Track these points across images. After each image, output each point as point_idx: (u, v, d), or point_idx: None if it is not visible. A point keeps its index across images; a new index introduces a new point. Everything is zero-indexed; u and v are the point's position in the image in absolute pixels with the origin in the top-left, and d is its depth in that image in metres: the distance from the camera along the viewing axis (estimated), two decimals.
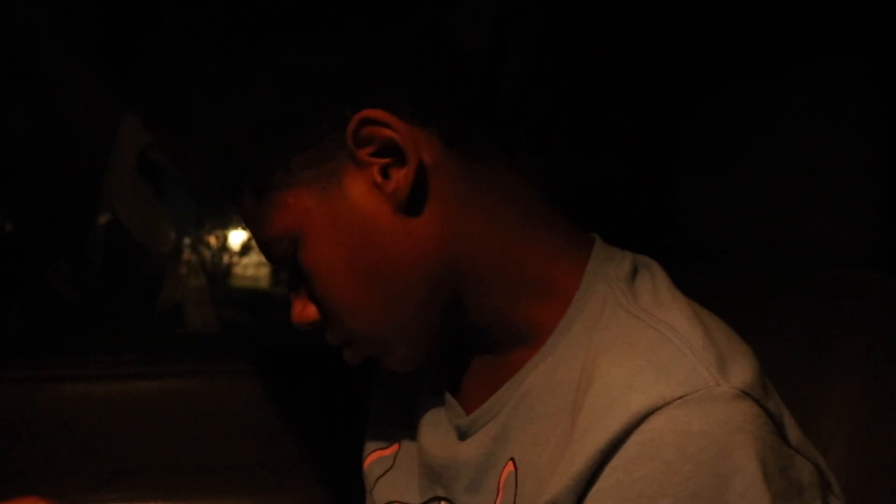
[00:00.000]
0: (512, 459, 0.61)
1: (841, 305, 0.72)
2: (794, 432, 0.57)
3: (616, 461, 0.51)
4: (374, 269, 0.62)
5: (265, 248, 0.65)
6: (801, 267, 0.77)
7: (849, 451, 0.65)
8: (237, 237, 3.09)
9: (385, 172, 0.60)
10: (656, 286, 0.61)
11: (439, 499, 0.70)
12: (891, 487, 0.65)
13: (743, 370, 0.54)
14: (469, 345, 0.72)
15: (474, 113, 0.64)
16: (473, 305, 0.65)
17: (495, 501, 0.62)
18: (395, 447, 0.78)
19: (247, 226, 0.66)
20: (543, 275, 0.64)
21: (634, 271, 0.63)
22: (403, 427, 0.78)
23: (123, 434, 1.21)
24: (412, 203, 0.60)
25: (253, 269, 3.20)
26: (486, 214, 0.63)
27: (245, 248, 3.19)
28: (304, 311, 0.67)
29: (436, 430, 0.71)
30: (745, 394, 0.52)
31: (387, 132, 0.59)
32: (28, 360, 1.25)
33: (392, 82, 0.60)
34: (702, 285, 0.63)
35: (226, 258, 3.05)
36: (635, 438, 0.51)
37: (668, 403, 0.51)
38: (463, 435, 0.68)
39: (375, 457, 0.79)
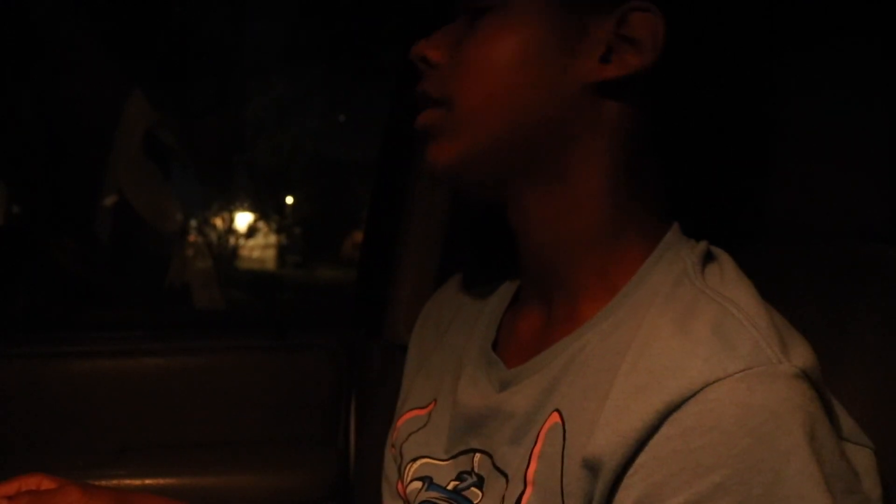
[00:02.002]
0: (557, 410, 0.61)
1: (858, 281, 0.71)
2: (847, 422, 0.57)
3: (673, 430, 0.51)
4: (525, 92, 0.64)
5: None
6: (819, 242, 0.76)
7: (865, 425, 0.64)
8: (243, 219, 3.10)
9: (609, 53, 0.62)
10: (724, 269, 0.62)
11: (474, 451, 0.69)
12: None
13: (803, 355, 0.54)
14: (523, 300, 0.73)
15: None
16: (533, 215, 0.66)
17: (533, 450, 0.61)
18: (431, 406, 0.78)
19: None
20: (620, 240, 0.65)
21: (707, 256, 0.64)
22: (441, 387, 0.78)
23: (130, 410, 1.21)
24: (602, 88, 0.62)
25: (259, 251, 3.21)
26: (626, 168, 0.64)
27: (251, 231, 3.20)
28: (432, 49, 0.68)
29: (474, 385, 0.71)
30: (806, 375, 0.52)
31: (645, 34, 0.60)
32: (36, 336, 1.26)
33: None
34: None
35: (232, 240, 3.06)
36: (694, 408, 0.50)
37: (730, 375, 0.50)
38: (505, 386, 0.67)
39: (411, 415, 0.80)
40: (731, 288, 0.58)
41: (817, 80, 0.77)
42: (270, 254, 3.09)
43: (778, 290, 0.65)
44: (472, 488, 0.68)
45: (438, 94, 0.67)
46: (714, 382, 0.50)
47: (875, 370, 0.67)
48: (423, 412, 0.78)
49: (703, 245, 0.64)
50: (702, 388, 0.50)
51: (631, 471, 0.52)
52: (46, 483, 0.75)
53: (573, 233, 0.65)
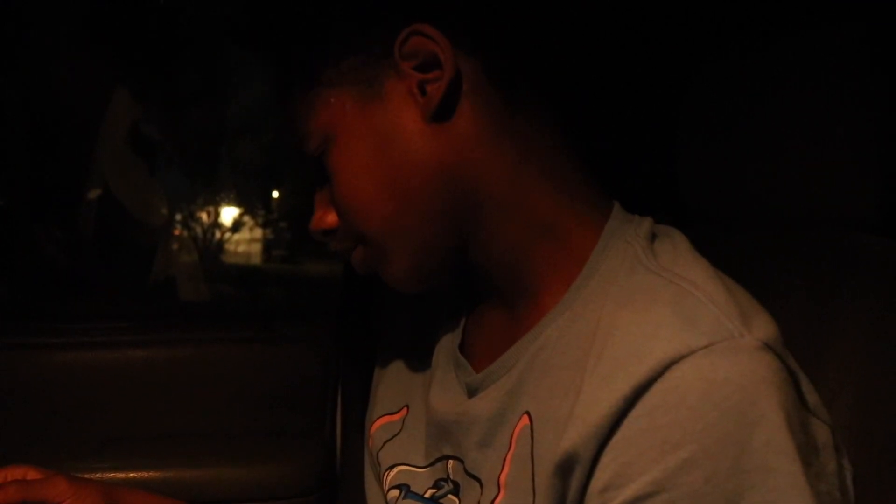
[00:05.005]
0: (527, 413, 0.61)
1: (842, 269, 0.72)
2: (811, 396, 0.58)
3: (640, 409, 0.51)
4: (396, 172, 0.65)
5: (302, 143, 0.69)
6: (803, 231, 0.77)
7: (851, 415, 0.65)
8: (228, 214, 3.08)
9: (422, 88, 0.63)
10: (677, 248, 0.62)
11: (447, 457, 0.70)
12: (894, 448, 0.65)
13: (765, 327, 0.54)
14: (483, 298, 0.73)
15: (530, 60, 0.66)
16: (485, 240, 0.66)
17: (506, 455, 0.62)
18: (403, 412, 0.78)
19: (288, 120, 0.70)
20: (560, 226, 0.65)
21: (653, 235, 0.64)
22: (411, 392, 0.78)
23: (114, 402, 1.21)
24: (441, 114, 0.63)
25: (245, 245, 3.19)
26: (513, 153, 0.64)
27: (236, 225, 3.18)
28: (324, 217, 0.71)
29: (444, 390, 0.71)
30: (769, 347, 0.52)
31: (432, 46, 0.61)
32: (19, 327, 1.24)
33: (449, 4, 0.63)
34: (702, 250, 0.63)
35: (217, 234, 3.04)
36: (660, 386, 0.51)
37: (693, 352, 0.51)
38: (473, 392, 0.68)
39: (384, 421, 0.79)
40: (686, 267, 0.58)
41: (800, 70, 0.78)
42: (256, 248, 3.07)
43: (764, 278, 0.66)
44: (449, 496, 0.69)
45: (351, 242, 0.70)
46: (678, 360, 0.51)
47: (859, 357, 0.68)
48: (396, 418, 0.78)
49: (647, 224, 0.64)
50: (667, 367, 0.51)
51: (602, 455, 0.53)
52: (32, 473, 0.75)
53: (518, 243, 0.65)
